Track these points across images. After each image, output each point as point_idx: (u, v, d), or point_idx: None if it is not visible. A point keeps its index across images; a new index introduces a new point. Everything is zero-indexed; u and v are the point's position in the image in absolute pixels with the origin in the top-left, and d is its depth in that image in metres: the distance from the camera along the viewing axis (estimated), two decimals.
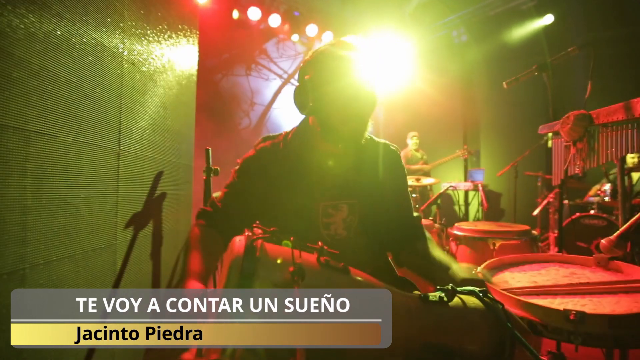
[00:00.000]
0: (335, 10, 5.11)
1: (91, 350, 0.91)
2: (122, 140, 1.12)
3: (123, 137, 1.12)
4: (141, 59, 1.22)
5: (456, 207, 5.80)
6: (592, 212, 3.65)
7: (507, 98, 5.45)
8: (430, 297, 0.69)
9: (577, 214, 3.63)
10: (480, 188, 4.29)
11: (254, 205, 0.99)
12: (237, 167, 1.05)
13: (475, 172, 5.51)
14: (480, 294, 0.71)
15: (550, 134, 1.82)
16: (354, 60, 0.99)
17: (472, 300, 0.71)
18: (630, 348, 0.96)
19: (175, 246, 1.68)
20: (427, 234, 1.08)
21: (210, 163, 1.71)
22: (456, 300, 0.70)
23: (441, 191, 2.66)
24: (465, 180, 5.46)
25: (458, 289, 0.71)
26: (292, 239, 0.58)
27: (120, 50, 1.09)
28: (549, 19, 4.95)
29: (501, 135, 5.65)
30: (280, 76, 5.05)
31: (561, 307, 0.92)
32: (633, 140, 1.39)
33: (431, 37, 5.86)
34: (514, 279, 1.20)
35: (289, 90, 5.08)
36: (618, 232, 1.09)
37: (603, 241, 1.10)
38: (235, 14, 4.31)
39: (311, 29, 4.74)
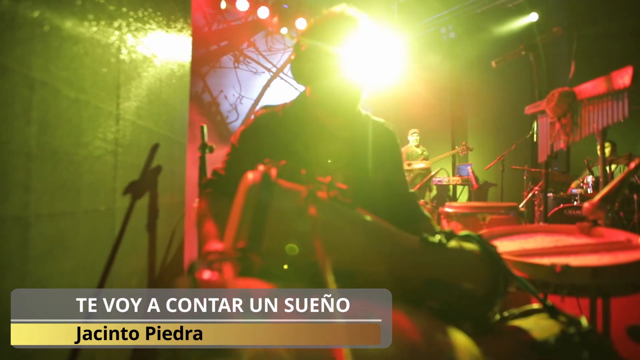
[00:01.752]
0: (324, 4, 5.12)
1: (75, 351, 0.90)
2: (120, 105, 1.12)
3: (122, 102, 1.12)
4: (139, 26, 1.23)
5: (448, 193, 5.90)
6: (575, 203, 3.78)
7: (495, 94, 5.57)
8: (430, 239, 0.72)
9: (561, 205, 3.75)
10: (471, 172, 4.37)
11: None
12: (236, 136, 1.07)
13: (463, 167, 5.61)
14: (476, 238, 0.76)
15: (535, 128, 1.91)
16: (348, 30, 1.02)
17: (468, 244, 0.75)
18: (613, 296, 1.02)
19: (169, 223, 1.68)
20: (427, 214, 1.12)
21: (206, 139, 1.72)
22: (454, 243, 0.74)
23: (430, 174, 2.78)
24: (454, 175, 5.57)
25: (457, 233, 0.75)
26: (303, 171, 0.61)
27: (119, 14, 1.09)
28: (533, 17, 5.09)
29: (488, 130, 5.77)
30: (269, 70, 5.04)
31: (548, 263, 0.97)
32: (613, 112, 1.47)
33: (420, 33, 5.95)
34: (504, 247, 1.25)
35: (277, 85, 5.08)
36: (599, 195, 1.15)
37: (586, 204, 1.17)
38: (223, 5, 4.29)
39: (301, 23, 4.75)
